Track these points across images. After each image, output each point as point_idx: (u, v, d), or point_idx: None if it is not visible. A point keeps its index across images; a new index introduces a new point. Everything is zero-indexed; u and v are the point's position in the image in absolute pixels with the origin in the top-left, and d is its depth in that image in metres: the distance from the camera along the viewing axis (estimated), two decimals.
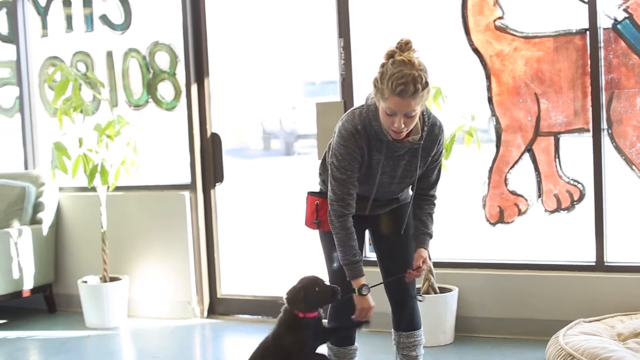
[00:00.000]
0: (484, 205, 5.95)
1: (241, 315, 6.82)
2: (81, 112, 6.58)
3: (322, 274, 4.19)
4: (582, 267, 5.66)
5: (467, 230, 6.33)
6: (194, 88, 6.79)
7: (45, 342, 6.36)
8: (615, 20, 5.52)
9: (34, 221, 7.05)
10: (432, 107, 5.50)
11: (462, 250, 6.29)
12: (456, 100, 5.88)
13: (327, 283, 4.08)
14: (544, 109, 5.74)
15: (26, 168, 7.47)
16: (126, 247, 6.97)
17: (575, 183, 5.72)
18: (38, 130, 7.48)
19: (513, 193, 5.87)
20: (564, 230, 5.95)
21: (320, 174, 4.31)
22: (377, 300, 4.36)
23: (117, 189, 6.79)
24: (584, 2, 5.54)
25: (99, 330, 6.55)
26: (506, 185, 5.87)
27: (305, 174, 7.54)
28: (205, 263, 6.85)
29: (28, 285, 6.91)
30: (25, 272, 6.86)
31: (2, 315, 7.11)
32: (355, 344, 4.41)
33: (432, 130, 4.04)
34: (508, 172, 5.86)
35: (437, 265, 5.82)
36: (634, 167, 5.56)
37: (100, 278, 6.73)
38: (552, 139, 5.76)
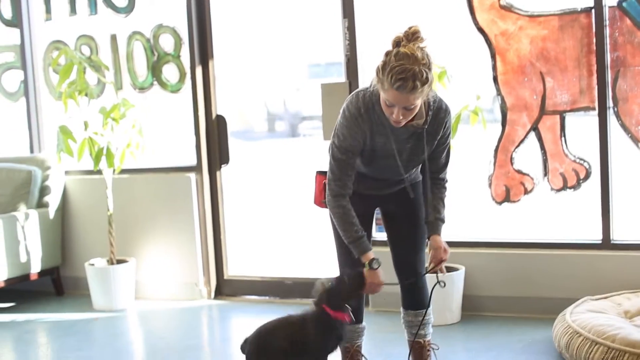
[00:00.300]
0: (490, 185, 5.95)
1: (248, 296, 6.84)
2: (86, 95, 6.58)
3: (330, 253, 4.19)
4: (588, 245, 5.67)
5: (474, 210, 6.34)
6: (199, 70, 6.79)
7: (53, 324, 6.39)
8: None
9: (41, 205, 7.06)
10: (437, 86, 5.50)
11: (469, 230, 6.30)
12: (461, 79, 5.88)
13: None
14: (550, 87, 5.73)
15: (32, 152, 7.48)
16: (133, 229, 6.99)
17: (581, 161, 5.72)
18: (43, 114, 7.49)
19: (519, 172, 5.87)
20: (570, 209, 5.96)
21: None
22: (388, 279, 4.39)
23: (123, 171, 6.80)
24: None
25: (107, 313, 6.57)
26: (512, 164, 5.87)
27: (310, 155, 7.56)
28: (211, 244, 6.86)
29: (35, 268, 6.93)
30: (33, 256, 6.88)
31: (11, 298, 7.14)
32: (363, 322, 4.43)
33: (437, 114, 4.04)
34: (514, 151, 5.86)
35: None
36: (639, 145, 5.56)
37: (107, 260, 6.75)
38: (557, 117, 5.75)
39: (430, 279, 4.37)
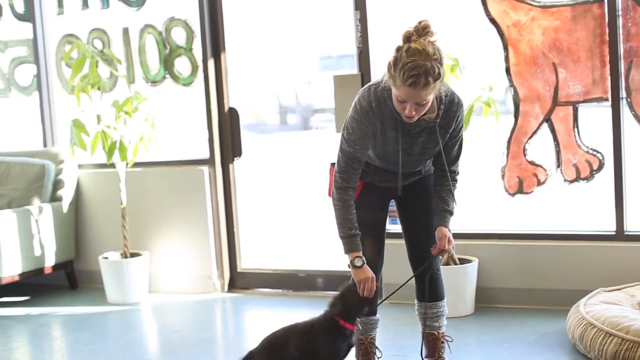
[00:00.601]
0: (503, 176, 5.94)
1: (261, 289, 6.85)
2: (98, 89, 6.60)
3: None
4: (601, 236, 5.65)
5: (487, 201, 6.34)
6: (211, 63, 6.79)
7: (67, 317, 6.42)
8: None
9: (54, 198, 7.09)
10: (450, 78, 5.49)
11: (482, 221, 6.30)
12: (473, 71, 5.87)
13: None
14: (562, 78, 5.71)
15: (45, 146, 7.50)
16: (146, 222, 7.00)
17: (595, 152, 5.70)
18: (56, 108, 7.50)
19: (532, 163, 5.86)
20: (584, 200, 5.95)
21: None
22: (400, 272, 4.40)
23: (136, 165, 6.81)
24: None
25: (121, 306, 6.59)
26: (525, 155, 5.86)
27: (322, 148, 7.57)
28: (225, 237, 6.87)
29: (50, 262, 6.96)
30: (47, 249, 6.91)
31: (25, 292, 7.17)
32: (377, 314, 4.43)
33: (449, 108, 4.02)
34: (526, 142, 5.85)
35: (457, 236, 5.76)
36: None
37: (121, 254, 6.77)
38: (570, 108, 5.73)
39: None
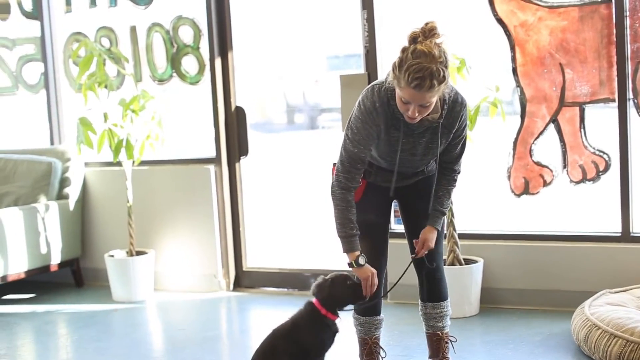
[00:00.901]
0: (509, 177, 5.93)
1: (267, 288, 6.86)
2: (106, 87, 6.60)
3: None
4: (607, 237, 5.64)
5: (492, 202, 6.33)
6: (218, 62, 6.80)
7: (73, 315, 6.43)
8: None
9: (61, 196, 7.10)
10: (456, 78, 5.48)
11: (487, 222, 6.29)
12: (480, 71, 5.86)
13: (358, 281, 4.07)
14: (569, 79, 5.70)
15: (52, 144, 7.52)
16: (152, 221, 7.01)
17: (601, 153, 5.68)
18: (63, 106, 7.52)
19: (538, 164, 5.85)
20: (590, 201, 5.93)
21: None
22: (396, 271, 4.39)
23: (143, 163, 6.82)
24: None
25: (126, 304, 6.60)
26: (531, 156, 5.85)
27: (329, 147, 7.56)
28: (230, 236, 6.88)
29: (56, 259, 6.97)
30: (53, 247, 6.92)
31: (31, 290, 7.19)
32: (381, 314, 4.42)
33: (453, 108, 4.02)
34: (533, 143, 5.84)
35: (462, 236, 5.82)
36: None
37: (127, 252, 6.78)
38: (577, 109, 5.72)
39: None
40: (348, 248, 4.05)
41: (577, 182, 5.76)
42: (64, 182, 7.11)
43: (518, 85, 5.83)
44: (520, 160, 5.88)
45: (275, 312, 6.23)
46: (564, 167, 5.79)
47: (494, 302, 5.85)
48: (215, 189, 6.80)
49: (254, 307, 6.49)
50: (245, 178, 6.95)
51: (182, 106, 7.05)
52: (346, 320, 4.38)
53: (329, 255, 7.39)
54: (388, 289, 4.63)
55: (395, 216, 5.47)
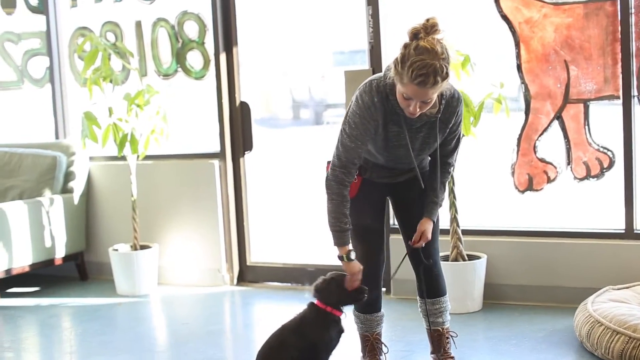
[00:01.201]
0: (513, 173, 5.93)
1: (270, 283, 6.87)
2: (111, 81, 6.62)
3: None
4: (611, 234, 5.64)
5: (496, 198, 6.33)
6: (223, 57, 6.80)
7: (77, 309, 6.44)
8: None
9: (65, 190, 7.12)
10: (461, 74, 5.48)
11: (491, 218, 6.29)
12: (485, 67, 5.85)
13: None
14: (574, 76, 5.70)
15: (57, 138, 7.53)
16: (156, 215, 7.02)
17: (605, 150, 5.68)
18: (68, 100, 7.53)
19: (542, 160, 5.85)
20: (593, 198, 5.93)
21: None
22: (408, 267, 4.40)
23: (147, 157, 6.84)
24: None
25: (130, 298, 6.62)
26: (535, 152, 5.85)
27: (334, 143, 7.56)
28: (234, 231, 6.89)
29: (60, 253, 6.99)
30: (57, 241, 6.94)
31: (35, 283, 7.21)
32: (382, 310, 4.43)
33: (450, 103, 4.03)
34: (537, 139, 5.83)
35: (466, 232, 5.82)
36: None
37: (131, 246, 6.79)
38: (581, 106, 5.72)
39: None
40: (340, 242, 4.06)
41: (581, 179, 5.76)
42: (68, 176, 7.12)
43: (522, 82, 5.83)
44: (524, 156, 5.88)
45: (278, 306, 6.25)
46: (568, 163, 5.79)
47: (497, 298, 5.85)
48: (220, 183, 6.81)
49: (257, 302, 6.50)
50: (249, 173, 6.95)
51: (187, 101, 7.06)
52: (348, 318, 4.41)
53: (333, 250, 7.41)
54: (392, 273, 4.61)
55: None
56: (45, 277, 7.35)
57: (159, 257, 6.87)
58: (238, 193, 6.89)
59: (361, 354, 4.48)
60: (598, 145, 5.70)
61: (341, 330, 4.09)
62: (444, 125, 4.05)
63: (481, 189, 6.39)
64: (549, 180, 5.84)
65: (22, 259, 6.65)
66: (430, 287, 4.39)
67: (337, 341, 4.09)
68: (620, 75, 5.54)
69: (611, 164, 5.67)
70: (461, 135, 4.22)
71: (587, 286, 5.40)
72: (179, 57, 6.96)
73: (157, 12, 7.00)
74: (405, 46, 3.77)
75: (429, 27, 3.75)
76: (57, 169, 7.00)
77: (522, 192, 5.92)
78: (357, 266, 4.07)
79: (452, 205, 5.63)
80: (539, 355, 4.76)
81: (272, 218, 9.30)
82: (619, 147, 5.56)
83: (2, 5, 7.72)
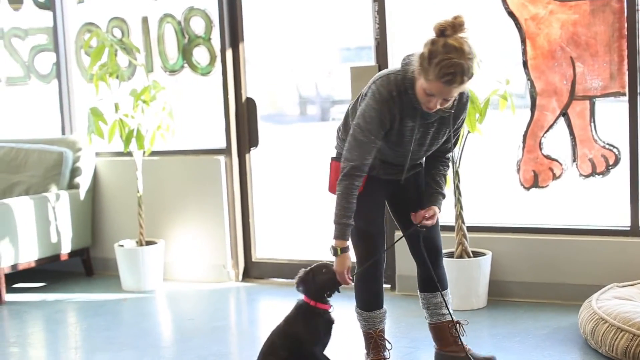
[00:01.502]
0: (519, 170, 5.92)
1: (275, 279, 6.88)
2: (117, 77, 6.63)
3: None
4: (616, 232, 5.63)
5: (502, 195, 6.32)
6: (229, 53, 6.80)
7: (83, 304, 6.46)
8: None
9: (72, 186, 7.13)
10: None
11: (496, 215, 6.29)
12: (491, 64, 5.84)
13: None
14: (580, 72, 5.69)
15: (63, 133, 7.54)
16: (162, 211, 7.03)
17: (611, 147, 5.67)
18: (75, 96, 7.55)
19: (548, 157, 5.84)
20: (599, 195, 5.92)
21: (343, 139, 4.23)
22: (412, 263, 4.40)
23: (153, 153, 6.85)
24: None
25: (136, 294, 6.63)
26: (541, 149, 5.84)
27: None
28: (240, 227, 6.89)
29: (66, 249, 7.01)
30: (63, 236, 6.95)
31: (41, 279, 7.23)
32: (384, 307, 4.43)
33: (461, 99, 4.08)
34: (543, 136, 5.82)
35: (471, 229, 5.81)
36: None
37: (137, 242, 6.80)
38: (587, 103, 5.70)
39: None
40: (340, 235, 4.02)
41: (587, 176, 5.75)
42: (74, 171, 7.13)
43: (528, 78, 5.82)
44: (529, 153, 5.87)
45: (283, 302, 6.19)
46: (574, 160, 5.78)
47: (501, 294, 5.85)
48: (225, 179, 6.81)
49: (262, 298, 6.51)
50: (256, 169, 6.96)
51: (193, 97, 7.06)
52: (349, 315, 4.42)
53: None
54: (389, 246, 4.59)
55: None
56: (51, 272, 7.38)
57: (164, 253, 6.88)
58: (244, 189, 6.89)
59: (365, 351, 4.47)
60: (604, 142, 5.69)
61: (330, 322, 4.07)
62: (453, 121, 4.08)
63: (486, 186, 6.39)
64: (555, 177, 5.83)
65: (28, 255, 6.66)
66: (431, 281, 4.40)
67: (328, 333, 4.08)
68: (627, 72, 5.52)
69: (617, 161, 5.65)
70: (462, 131, 4.23)
71: (592, 283, 5.38)
72: (185, 53, 6.96)
73: (164, 7, 7.01)
74: (433, 42, 3.76)
75: (457, 25, 3.76)
76: (64, 164, 7.02)
77: (528, 189, 5.91)
78: (349, 261, 4.03)
79: (458, 202, 5.63)
80: (543, 352, 4.76)
81: (278, 214, 9.30)
82: (625, 144, 5.55)
83: (10, 1, 7.74)
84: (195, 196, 6.91)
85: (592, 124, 5.70)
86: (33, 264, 6.75)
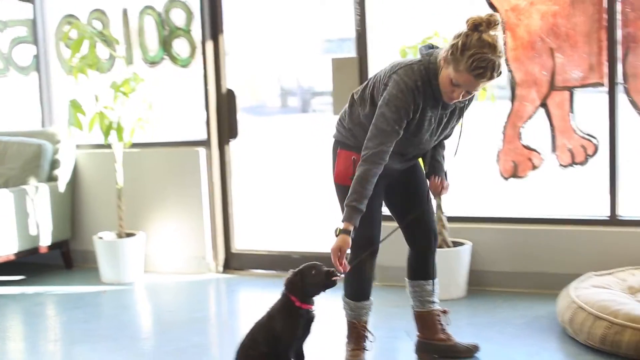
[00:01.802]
0: (498, 160, 5.93)
1: (255, 270, 6.87)
2: (97, 69, 6.60)
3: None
4: (595, 221, 5.66)
5: (481, 185, 6.34)
6: (209, 45, 6.79)
7: (62, 297, 6.43)
8: None
9: (51, 178, 7.10)
10: None
11: (476, 205, 6.31)
12: None
13: (325, 268, 4.05)
14: (559, 63, 5.70)
15: (43, 126, 7.51)
16: (142, 203, 7.01)
17: (590, 137, 5.69)
18: (54, 89, 7.51)
19: (527, 147, 5.85)
20: (578, 185, 5.94)
21: (349, 128, 4.25)
22: (393, 254, 4.41)
23: (133, 145, 6.82)
24: None
25: (115, 286, 6.61)
26: (520, 139, 5.85)
27: (321, 130, 7.57)
28: (220, 218, 6.89)
29: (45, 241, 6.98)
30: (42, 229, 6.92)
31: (20, 271, 7.20)
32: (371, 298, 4.44)
33: None
34: (522, 126, 5.84)
35: (451, 219, 5.83)
36: None
37: (116, 234, 6.78)
38: (566, 93, 5.73)
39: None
40: (348, 218, 3.97)
41: (566, 166, 5.77)
42: (54, 164, 7.10)
43: (508, 69, 5.82)
44: (509, 143, 5.89)
45: (263, 294, 6.24)
46: (553, 150, 5.80)
47: (481, 284, 5.87)
48: (205, 171, 6.80)
49: (242, 289, 6.50)
50: (236, 161, 6.95)
51: (173, 89, 7.04)
52: (332, 306, 4.42)
53: (318, 237, 7.42)
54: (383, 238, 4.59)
55: None
56: (30, 265, 7.35)
57: (144, 244, 6.86)
58: (224, 181, 6.89)
59: (346, 340, 4.48)
60: (583, 132, 5.71)
61: (310, 319, 4.05)
62: (463, 111, 4.19)
63: (466, 176, 6.39)
64: (534, 167, 5.85)
65: (7, 248, 6.63)
66: (423, 269, 4.46)
67: (307, 330, 4.06)
68: (606, 63, 5.54)
69: (596, 151, 5.68)
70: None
71: (571, 272, 5.40)
72: (166, 44, 6.94)
73: None
74: (467, 35, 3.80)
75: (492, 22, 3.80)
76: (43, 157, 6.99)
77: (507, 179, 5.93)
78: (347, 245, 3.99)
79: None
80: (522, 341, 4.77)
81: (258, 206, 9.30)
82: (604, 134, 5.57)
83: None
84: (175, 188, 6.90)
85: (571, 115, 5.72)
86: (12, 257, 6.72)
